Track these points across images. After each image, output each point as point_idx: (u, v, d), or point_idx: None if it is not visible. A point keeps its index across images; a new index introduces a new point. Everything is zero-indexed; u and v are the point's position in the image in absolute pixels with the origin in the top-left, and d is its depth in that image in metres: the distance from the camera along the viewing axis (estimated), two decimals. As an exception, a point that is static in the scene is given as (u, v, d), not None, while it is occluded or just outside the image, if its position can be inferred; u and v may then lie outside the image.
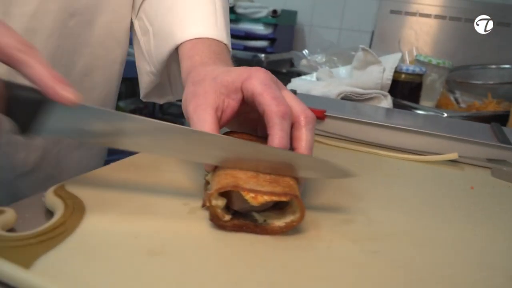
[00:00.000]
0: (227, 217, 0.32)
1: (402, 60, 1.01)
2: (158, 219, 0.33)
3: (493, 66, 1.28)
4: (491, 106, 1.05)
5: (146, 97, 0.59)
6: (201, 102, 0.37)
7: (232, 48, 0.51)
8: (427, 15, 1.34)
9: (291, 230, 0.33)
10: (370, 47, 1.34)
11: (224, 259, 0.29)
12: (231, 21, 1.27)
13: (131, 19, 0.55)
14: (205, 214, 0.34)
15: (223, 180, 0.32)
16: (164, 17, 0.50)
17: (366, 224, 0.36)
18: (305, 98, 0.73)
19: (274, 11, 1.63)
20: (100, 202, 0.34)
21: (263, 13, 1.64)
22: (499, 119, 0.86)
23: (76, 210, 0.32)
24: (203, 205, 0.35)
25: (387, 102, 0.87)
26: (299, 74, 1.22)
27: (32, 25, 0.43)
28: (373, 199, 0.42)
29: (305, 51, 1.35)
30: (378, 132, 0.62)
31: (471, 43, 1.30)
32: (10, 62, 0.29)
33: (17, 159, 0.48)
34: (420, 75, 0.97)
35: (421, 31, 1.35)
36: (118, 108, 1.03)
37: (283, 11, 1.68)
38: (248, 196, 0.31)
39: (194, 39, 0.46)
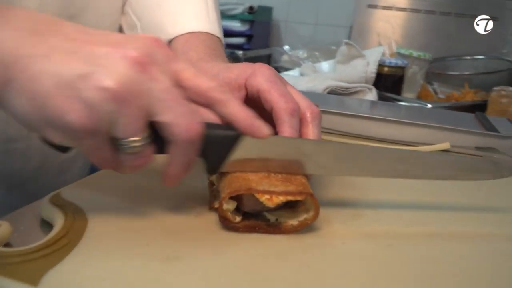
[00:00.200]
0: (238, 219, 0.31)
1: (383, 53, 1.02)
2: (167, 224, 0.31)
3: (468, 57, 1.31)
4: (469, 96, 1.08)
5: None
6: None
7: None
8: (403, 9, 1.35)
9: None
10: (348, 41, 1.34)
11: (242, 261, 0.28)
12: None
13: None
14: (213, 216, 0.33)
15: (234, 183, 0.31)
16: (153, 11, 0.48)
17: (375, 217, 0.36)
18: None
19: (251, 8, 1.61)
20: (101, 208, 0.32)
21: (239, 9, 1.62)
22: (478, 108, 0.88)
23: (77, 219, 0.30)
24: (210, 207, 0.34)
25: (372, 95, 0.87)
26: (278, 70, 1.22)
27: None
28: (377, 191, 0.42)
29: (286, 47, 1.35)
30: (369, 124, 0.62)
31: (446, 35, 1.33)
32: (207, 102, 0.29)
33: (14, 169, 0.45)
34: (403, 68, 0.98)
35: (397, 24, 1.37)
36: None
37: (259, 7, 1.67)
38: (264, 198, 0.30)
39: (187, 33, 0.45)
